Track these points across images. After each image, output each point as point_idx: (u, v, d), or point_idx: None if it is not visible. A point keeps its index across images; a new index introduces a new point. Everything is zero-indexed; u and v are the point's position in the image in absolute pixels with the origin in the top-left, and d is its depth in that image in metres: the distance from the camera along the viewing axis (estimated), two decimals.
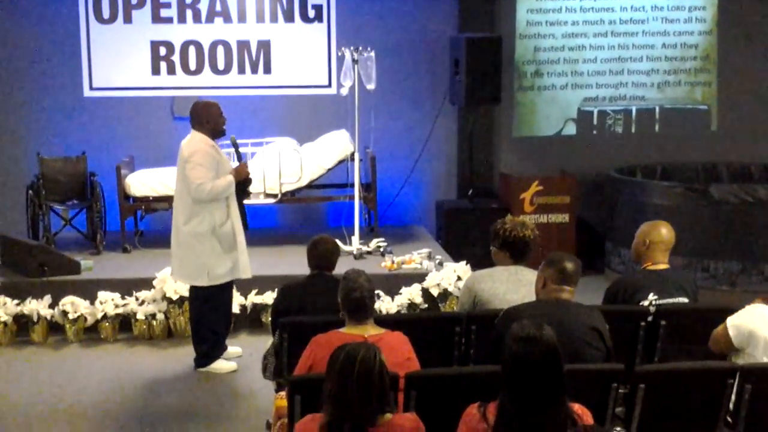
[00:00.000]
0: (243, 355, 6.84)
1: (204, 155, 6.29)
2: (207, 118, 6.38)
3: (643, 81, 9.94)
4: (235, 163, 6.64)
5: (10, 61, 9.22)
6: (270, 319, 5.62)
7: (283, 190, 8.46)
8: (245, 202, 6.75)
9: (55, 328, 7.33)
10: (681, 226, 6.35)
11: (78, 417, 5.89)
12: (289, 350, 4.71)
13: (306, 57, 9.43)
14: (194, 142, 6.38)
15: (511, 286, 4.83)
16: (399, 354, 4.13)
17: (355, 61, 8.07)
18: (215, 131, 6.42)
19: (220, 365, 6.61)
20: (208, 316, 6.57)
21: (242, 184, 6.53)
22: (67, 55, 9.22)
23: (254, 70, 9.41)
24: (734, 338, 4.31)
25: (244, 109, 9.18)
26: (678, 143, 10.01)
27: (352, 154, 8.36)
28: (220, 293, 6.58)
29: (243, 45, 9.36)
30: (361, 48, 8.11)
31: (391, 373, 3.77)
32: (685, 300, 5.00)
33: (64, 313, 7.25)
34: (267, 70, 9.41)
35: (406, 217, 9.71)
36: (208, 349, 6.62)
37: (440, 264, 7.68)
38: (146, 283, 7.38)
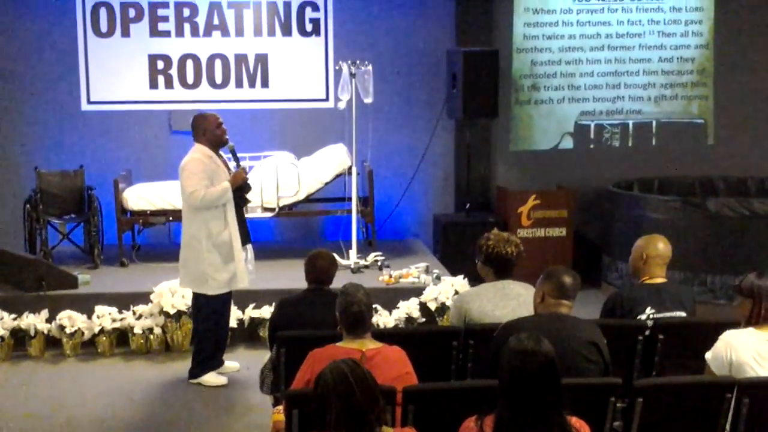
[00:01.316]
0: (240, 369, 6.82)
1: (196, 164, 6.33)
2: (203, 129, 6.42)
3: (639, 95, 9.96)
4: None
5: (8, 74, 9.23)
6: (267, 333, 5.61)
7: (281, 204, 8.47)
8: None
9: (52, 342, 7.32)
10: (678, 240, 6.35)
11: (74, 431, 5.87)
12: (287, 364, 4.71)
13: (303, 71, 9.45)
14: (190, 153, 6.44)
15: (499, 301, 4.84)
16: (397, 368, 4.12)
17: (352, 75, 8.09)
18: (214, 142, 6.44)
19: (211, 378, 6.60)
20: (211, 328, 6.59)
21: (241, 190, 6.52)
22: (64, 69, 9.24)
23: (252, 84, 9.42)
24: (717, 371, 4.30)
25: (242, 122, 9.18)
26: (675, 157, 10.02)
27: (350, 168, 8.38)
28: (223, 305, 6.59)
29: (241, 59, 9.38)
30: (358, 62, 8.14)
31: (389, 387, 3.79)
32: (683, 314, 5.01)
33: (62, 328, 7.24)
34: (264, 83, 9.42)
35: (403, 231, 9.72)
36: (204, 359, 6.62)
37: (438, 278, 7.68)
38: (143, 298, 7.37)
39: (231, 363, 6.84)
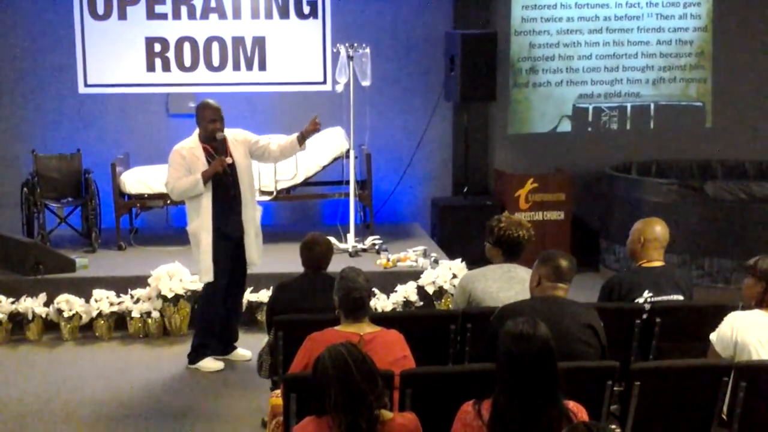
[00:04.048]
0: (251, 358, 6.66)
1: (174, 156, 6.43)
2: (199, 119, 6.46)
3: (638, 77, 9.94)
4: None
5: (5, 57, 9.19)
6: (265, 317, 5.62)
7: (279, 188, 8.46)
8: (260, 199, 6.64)
9: (50, 326, 7.32)
10: (676, 224, 6.36)
11: (72, 415, 5.89)
12: (285, 348, 4.72)
13: (301, 53, 9.42)
14: (180, 142, 6.51)
15: (504, 284, 4.84)
16: (394, 352, 4.13)
17: (350, 58, 8.06)
18: (205, 134, 6.45)
19: (206, 364, 6.62)
20: (203, 313, 6.66)
21: (225, 186, 6.42)
22: (61, 52, 9.20)
23: (249, 67, 9.39)
24: (721, 351, 4.32)
25: (239, 106, 9.16)
26: (673, 140, 10.01)
27: (348, 151, 8.37)
28: (217, 292, 6.57)
29: (238, 41, 9.34)
30: (356, 44, 8.11)
31: (387, 371, 3.79)
32: (680, 297, 5.01)
33: (59, 311, 7.24)
34: (262, 66, 9.39)
35: (401, 215, 9.71)
36: (198, 346, 6.66)
37: (435, 261, 7.68)
38: (141, 281, 7.38)
39: (243, 351, 6.82)
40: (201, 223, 6.41)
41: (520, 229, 4.94)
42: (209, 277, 6.47)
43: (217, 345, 6.74)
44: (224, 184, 6.44)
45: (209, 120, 6.40)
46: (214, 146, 6.42)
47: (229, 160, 6.40)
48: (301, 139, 6.70)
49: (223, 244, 6.47)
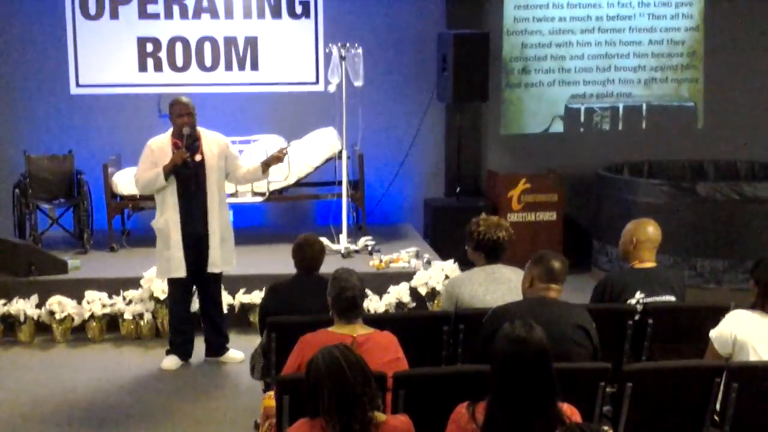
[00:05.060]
0: (244, 359, 6.67)
1: (145, 152, 6.57)
2: (170, 115, 6.55)
3: (630, 78, 9.95)
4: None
5: None
6: (258, 318, 5.61)
7: (271, 189, 8.45)
8: (233, 200, 6.67)
9: (42, 328, 7.30)
10: (668, 224, 6.35)
11: (64, 417, 5.88)
12: (277, 350, 4.71)
13: (293, 54, 9.41)
14: (154, 137, 6.63)
15: (490, 286, 4.85)
16: (387, 353, 4.14)
17: (342, 58, 8.06)
18: (175, 129, 6.52)
19: (165, 361, 6.71)
20: (169, 313, 6.81)
21: (186, 179, 6.45)
22: (53, 52, 9.17)
23: (241, 67, 9.38)
24: (720, 349, 4.33)
25: (231, 106, 9.15)
26: (665, 140, 10.02)
27: (340, 152, 8.36)
28: (176, 291, 6.65)
29: (230, 41, 9.33)
30: (348, 45, 8.11)
31: (380, 372, 3.79)
32: (673, 298, 5.02)
33: (51, 313, 7.22)
34: (254, 66, 9.38)
35: (393, 216, 9.71)
36: (169, 342, 6.79)
37: (428, 262, 7.68)
38: (133, 283, 7.36)
39: (236, 353, 6.81)
40: (169, 218, 6.47)
41: (499, 230, 4.93)
42: (181, 273, 6.51)
43: (184, 344, 6.75)
44: (186, 179, 6.48)
45: (177, 115, 6.47)
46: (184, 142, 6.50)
47: (198, 157, 6.47)
48: (265, 167, 6.76)
49: (189, 240, 6.50)
